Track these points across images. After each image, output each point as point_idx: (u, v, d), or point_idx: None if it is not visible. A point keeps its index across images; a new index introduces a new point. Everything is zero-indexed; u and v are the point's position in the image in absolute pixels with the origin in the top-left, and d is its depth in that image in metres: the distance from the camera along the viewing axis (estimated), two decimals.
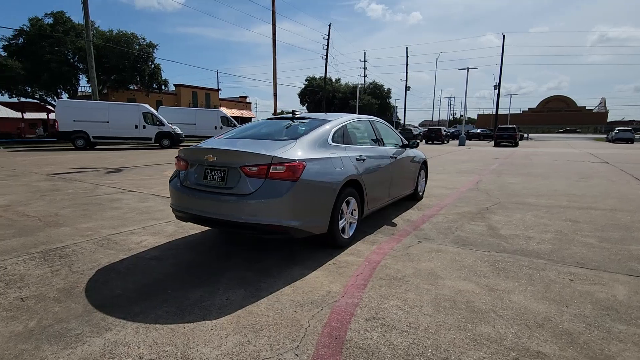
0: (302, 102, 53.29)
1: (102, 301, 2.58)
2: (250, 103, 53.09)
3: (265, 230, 3.05)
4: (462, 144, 29.88)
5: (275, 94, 17.61)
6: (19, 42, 31.30)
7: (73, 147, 18.78)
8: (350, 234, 3.81)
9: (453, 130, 46.74)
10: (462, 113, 47.76)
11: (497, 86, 46.63)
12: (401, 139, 5.47)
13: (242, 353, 1.98)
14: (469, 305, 2.50)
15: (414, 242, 3.91)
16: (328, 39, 42.48)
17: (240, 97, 52.73)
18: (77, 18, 35.59)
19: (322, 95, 45.73)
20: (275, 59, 16.40)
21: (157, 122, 19.95)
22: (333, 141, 3.71)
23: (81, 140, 18.61)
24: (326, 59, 41.51)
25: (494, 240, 3.97)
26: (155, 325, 2.27)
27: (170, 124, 21.02)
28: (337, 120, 4.00)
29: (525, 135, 55.64)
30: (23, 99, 33.77)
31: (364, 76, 57.50)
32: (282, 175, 3.02)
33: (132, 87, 36.74)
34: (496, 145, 28.34)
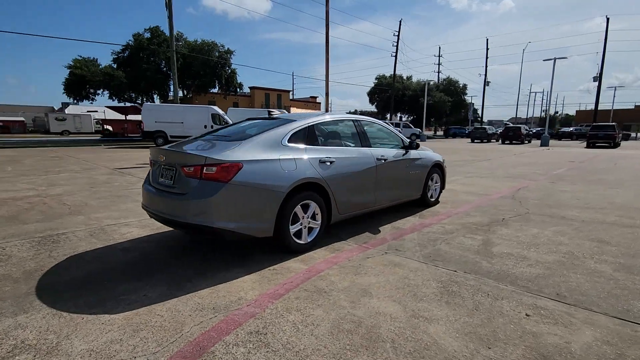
0: (371, 101, 52.52)
1: (47, 285, 2.84)
2: (319, 103, 54.09)
3: (201, 231, 3.05)
4: (544, 144, 26.44)
5: (327, 94, 17.63)
6: (125, 55, 36.29)
7: (155, 145, 21.24)
8: (309, 240, 3.61)
9: (538, 129, 41.65)
10: (556, 109, 42.18)
11: (598, 78, 40.24)
12: (402, 140, 5.02)
13: (104, 351, 2.00)
14: (370, 331, 2.18)
15: (379, 253, 3.56)
16: (398, 36, 41.12)
17: (311, 97, 54.03)
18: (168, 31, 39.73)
19: (390, 94, 44.44)
20: (328, 59, 16.40)
21: (224, 122, 21.43)
22: (290, 142, 3.55)
23: (161, 139, 20.90)
24: (395, 56, 40.22)
25: (476, 257, 3.42)
26: (63, 313, 2.42)
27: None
28: (303, 120, 3.82)
29: (634, 135, 47.19)
30: (128, 104, 39.29)
31: (438, 72, 54.23)
32: (213, 176, 2.98)
33: (212, 91, 40.09)
34: (589, 146, 24.51)
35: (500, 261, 3.32)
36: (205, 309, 2.46)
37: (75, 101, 38.88)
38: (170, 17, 24.72)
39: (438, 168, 5.68)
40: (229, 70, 37.25)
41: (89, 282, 2.90)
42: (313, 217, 3.65)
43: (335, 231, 4.23)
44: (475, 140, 33.61)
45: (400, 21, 41.60)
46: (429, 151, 5.57)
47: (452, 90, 49.46)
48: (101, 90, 35.66)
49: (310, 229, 3.64)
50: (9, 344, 2.06)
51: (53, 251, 3.60)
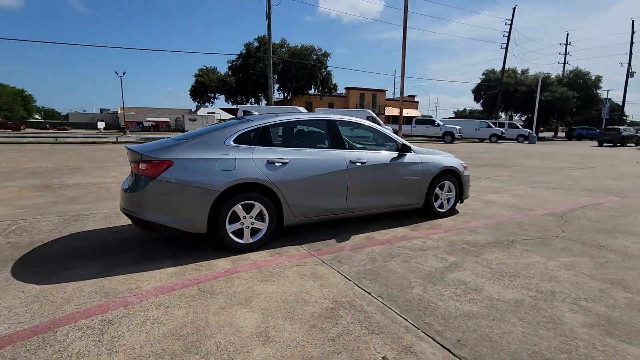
0: (476, 99, 47.73)
1: (30, 255, 3.45)
2: (417, 102, 51.51)
3: (136, 222, 3.31)
4: None
5: (402, 93, 16.67)
6: (238, 62, 40.80)
7: None
8: (253, 240, 3.55)
9: None
10: None
11: None
12: (396, 142, 4.49)
13: None
14: (199, 341, 2.06)
15: (316, 262, 3.29)
16: (510, 25, 36.42)
17: (409, 96, 51.85)
18: (276, 38, 43.11)
19: (499, 89, 39.60)
20: (404, 56, 15.48)
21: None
22: (237, 142, 3.54)
23: None
24: (506, 47, 35.76)
25: (416, 281, 2.88)
26: (8, 276, 2.92)
27: None
28: (258, 121, 3.75)
29: None
30: (238, 106, 44.11)
31: (564, 63, 45.87)
32: (144, 172, 3.20)
33: (309, 92, 42.07)
34: None
35: (440, 290, 2.73)
36: (100, 292, 2.68)
37: (198, 104, 45.54)
38: (269, 26, 26.71)
39: (452, 175, 4.91)
40: (325, 72, 38.56)
41: (58, 256, 3.42)
42: (261, 218, 3.59)
43: (299, 234, 4.07)
44: (605, 144, 27.55)
45: (514, 8, 36.51)
46: (437, 155, 4.86)
47: (579, 84, 41.31)
48: (217, 94, 40.99)
49: (256, 230, 3.59)
50: None
51: (65, 228, 4.35)
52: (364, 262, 3.29)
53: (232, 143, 3.53)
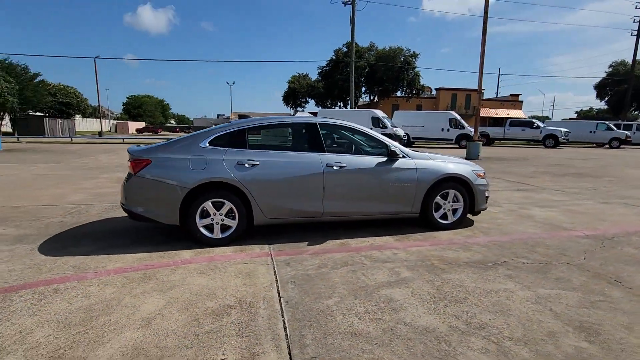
0: (599, 96, 40.00)
1: (61, 233, 4.32)
2: (521, 102, 45.35)
3: (127, 213, 3.82)
4: None
5: (479, 89, 14.85)
6: (327, 68, 42.14)
7: None
8: (223, 236, 3.77)
9: None
10: None
11: None
12: (387, 147, 4.19)
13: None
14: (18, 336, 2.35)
15: (266, 263, 3.34)
16: None
17: (511, 95, 46.08)
18: (364, 42, 43.18)
19: (628, 85, 32.46)
20: (484, 52, 13.86)
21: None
22: (212, 145, 3.80)
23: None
24: (637, 34, 29.25)
25: (330, 291, 2.70)
26: (33, 251, 3.71)
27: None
28: (236, 125, 3.95)
29: None
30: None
31: None
32: (130, 168, 3.68)
33: (396, 95, 40.93)
34: None
35: (355, 305, 2.51)
36: (75, 267, 3.21)
37: (293, 108, 48.50)
38: (352, 31, 26.99)
39: (458, 183, 4.36)
40: (412, 74, 37.06)
41: (79, 235, 4.18)
42: (232, 215, 3.79)
43: (273, 234, 4.15)
44: None
45: None
46: (439, 161, 4.36)
47: None
48: (307, 98, 43.04)
49: (226, 227, 3.80)
50: None
51: (107, 213, 5.23)
52: (310, 268, 3.21)
53: (207, 145, 3.81)
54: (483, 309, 2.46)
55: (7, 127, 41.56)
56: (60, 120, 43.17)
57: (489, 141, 25.23)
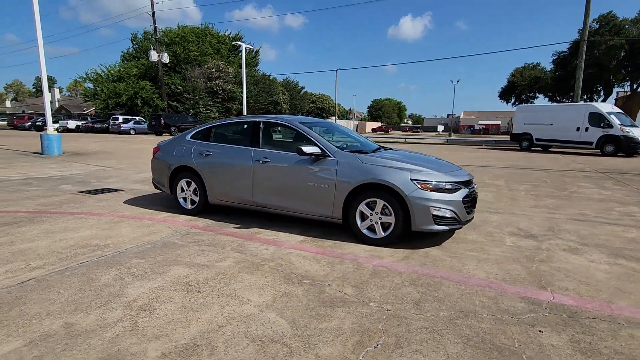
0: None
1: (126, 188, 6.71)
2: None
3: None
4: None
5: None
6: (565, 54, 33.49)
7: (518, 148, 19.88)
8: (191, 207, 4.88)
9: None
10: None
11: None
12: (317, 145, 3.96)
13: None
14: None
15: (188, 234, 4.22)
16: None
17: None
18: (629, 13, 31.06)
19: None
20: None
21: (604, 124, 15.84)
22: (192, 138, 4.94)
23: (526, 142, 19.30)
24: None
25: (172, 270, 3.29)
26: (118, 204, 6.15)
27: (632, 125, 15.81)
28: (212, 124, 4.90)
29: None
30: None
31: None
32: (152, 153, 5.39)
33: None
34: None
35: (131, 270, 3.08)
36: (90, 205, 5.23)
37: (513, 105, 41.50)
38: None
39: (388, 192, 3.55)
40: None
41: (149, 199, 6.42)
42: (194, 192, 4.86)
43: (239, 216, 4.85)
44: None
45: None
46: (374, 164, 3.67)
47: None
48: (531, 93, 35.58)
49: (194, 201, 4.91)
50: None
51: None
52: (191, 239, 3.85)
53: (189, 138, 5.01)
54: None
55: None
56: None
57: None
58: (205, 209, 4.84)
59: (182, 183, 4.92)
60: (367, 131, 77.40)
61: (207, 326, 2.17)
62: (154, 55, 29.68)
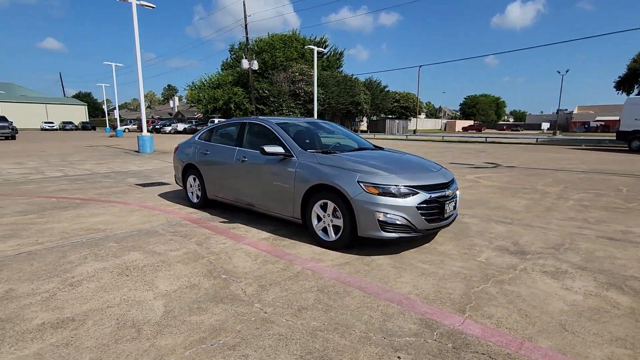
0: None
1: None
2: None
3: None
4: None
5: None
6: None
7: (627, 149, 16.12)
8: (195, 201, 5.38)
9: None
10: None
11: None
12: (285, 145, 3.98)
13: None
14: None
15: (166, 222, 4.70)
16: None
17: None
18: None
19: None
20: None
21: None
22: (199, 139, 5.42)
23: (636, 142, 15.63)
24: None
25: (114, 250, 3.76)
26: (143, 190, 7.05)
27: None
28: (214, 125, 5.28)
29: None
30: None
31: None
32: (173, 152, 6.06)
33: None
34: None
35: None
36: (115, 194, 6.07)
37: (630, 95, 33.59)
38: None
39: (336, 194, 3.38)
40: None
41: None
42: (198, 186, 5.34)
43: (234, 213, 5.17)
44: None
45: None
46: (325, 166, 3.54)
47: None
48: None
49: (198, 196, 5.39)
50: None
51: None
52: (175, 229, 4.27)
53: (196, 139, 5.51)
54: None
55: (364, 126, 57.78)
56: (397, 121, 54.66)
57: None
58: (206, 203, 5.27)
59: (190, 179, 5.44)
60: (456, 130, 71.94)
61: (99, 305, 2.46)
62: (245, 64, 32.58)
